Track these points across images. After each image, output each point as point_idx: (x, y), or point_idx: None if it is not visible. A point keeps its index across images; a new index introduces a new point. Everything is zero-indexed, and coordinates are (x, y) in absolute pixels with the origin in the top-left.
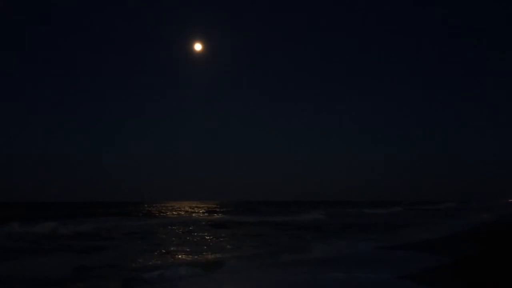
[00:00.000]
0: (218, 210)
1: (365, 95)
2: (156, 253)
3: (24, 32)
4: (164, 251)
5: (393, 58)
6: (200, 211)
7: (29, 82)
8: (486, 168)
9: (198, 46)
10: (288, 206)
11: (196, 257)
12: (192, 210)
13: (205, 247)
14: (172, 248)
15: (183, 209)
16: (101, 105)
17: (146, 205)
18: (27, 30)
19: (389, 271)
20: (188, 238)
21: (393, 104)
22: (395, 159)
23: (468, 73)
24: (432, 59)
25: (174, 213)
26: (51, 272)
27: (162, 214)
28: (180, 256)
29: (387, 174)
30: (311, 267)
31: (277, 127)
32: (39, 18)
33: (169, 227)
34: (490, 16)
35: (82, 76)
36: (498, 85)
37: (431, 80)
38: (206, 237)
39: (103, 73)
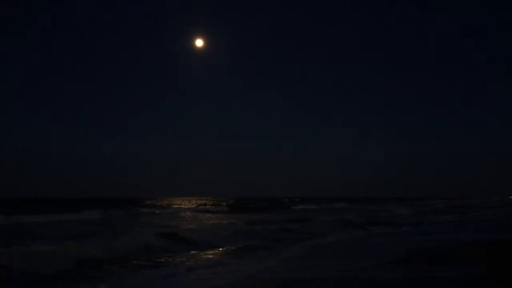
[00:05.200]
0: (259, 207)
1: (373, 96)
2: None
3: (24, 31)
4: None
5: (395, 58)
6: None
7: (32, 81)
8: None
9: (199, 42)
10: (311, 201)
11: None
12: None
13: None
14: None
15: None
16: (102, 104)
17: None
18: (27, 29)
19: None
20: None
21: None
22: (389, 157)
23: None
24: (434, 59)
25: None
26: None
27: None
28: None
29: (380, 171)
30: None
31: (278, 124)
32: (39, 17)
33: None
34: (490, 19)
35: (85, 73)
36: (498, 84)
37: (431, 81)
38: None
39: (103, 71)
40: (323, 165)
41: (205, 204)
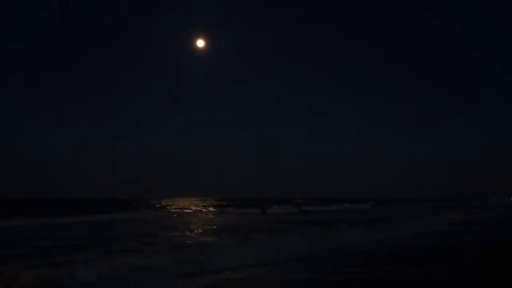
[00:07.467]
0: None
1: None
2: None
3: (24, 32)
4: None
5: (394, 60)
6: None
7: (32, 82)
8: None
9: (200, 43)
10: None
11: None
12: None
13: None
14: None
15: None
16: (101, 104)
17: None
18: (27, 29)
19: None
20: None
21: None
22: (388, 158)
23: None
24: (434, 59)
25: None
26: None
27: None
28: None
29: (379, 172)
30: None
31: (278, 125)
32: (38, 17)
33: None
34: (488, 20)
35: (85, 74)
36: (496, 86)
37: (429, 82)
38: None
39: (104, 71)
40: (322, 166)
41: (220, 205)
